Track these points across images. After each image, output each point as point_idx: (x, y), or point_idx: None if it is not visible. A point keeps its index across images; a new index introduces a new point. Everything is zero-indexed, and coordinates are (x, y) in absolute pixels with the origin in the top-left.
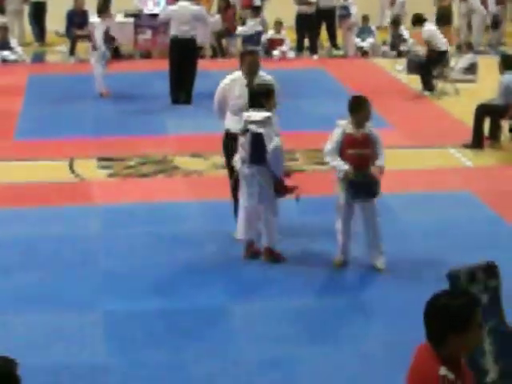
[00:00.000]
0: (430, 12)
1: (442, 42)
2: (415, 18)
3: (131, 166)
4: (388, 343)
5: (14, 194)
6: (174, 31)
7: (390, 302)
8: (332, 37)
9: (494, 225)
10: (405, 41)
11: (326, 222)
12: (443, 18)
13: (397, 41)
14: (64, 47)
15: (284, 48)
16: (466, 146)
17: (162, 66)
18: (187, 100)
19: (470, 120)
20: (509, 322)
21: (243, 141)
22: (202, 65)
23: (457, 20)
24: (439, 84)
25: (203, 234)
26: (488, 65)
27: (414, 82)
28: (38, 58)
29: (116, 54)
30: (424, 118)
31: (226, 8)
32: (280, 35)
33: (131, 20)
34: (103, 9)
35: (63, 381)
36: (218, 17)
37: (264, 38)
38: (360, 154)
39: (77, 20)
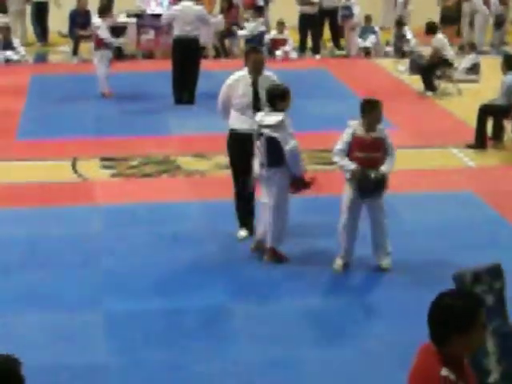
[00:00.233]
0: (434, 12)
1: (450, 54)
2: (428, 27)
3: (134, 166)
4: (391, 343)
5: (16, 194)
6: (177, 31)
7: (393, 301)
8: (335, 37)
9: (497, 225)
10: (408, 41)
11: (330, 222)
12: (447, 18)
13: (400, 41)
14: (67, 47)
15: (287, 48)
16: (469, 147)
17: (165, 66)
18: (190, 100)
19: (472, 120)
20: None
21: (258, 144)
22: (205, 65)
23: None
24: (442, 84)
25: (205, 234)
26: (491, 65)
27: (417, 82)
28: (41, 58)
29: (119, 54)
30: (427, 118)
31: (228, 8)
32: (283, 35)
33: (134, 20)
34: (105, 9)
35: (63, 381)
36: (220, 17)
37: (267, 38)
38: (368, 157)
39: (80, 20)
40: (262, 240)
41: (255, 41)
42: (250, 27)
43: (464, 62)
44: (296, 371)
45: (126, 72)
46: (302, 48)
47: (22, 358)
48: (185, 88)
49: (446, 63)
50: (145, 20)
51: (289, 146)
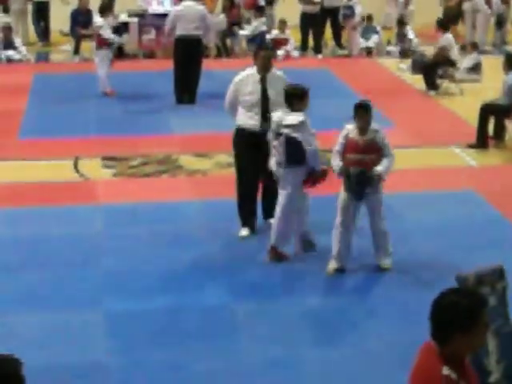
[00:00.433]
0: (435, 12)
1: (454, 54)
2: (440, 24)
3: (135, 165)
4: (391, 343)
5: (17, 194)
6: (179, 31)
7: (394, 301)
8: (336, 36)
9: (498, 224)
10: (410, 41)
11: (330, 222)
12: (450, 18)
13: (402, 41)
14: (68, 46)
15: (288, 47)
16: (471, 146)
17: (166, 65)
18: (191, 100)
19: (474, 120)
20: None
21: (276, 144)
22: (206, 64)
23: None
24: (444, 84)
25: (206, 234)
26: (492, 64)
27: (419, 81)
28: (43, 58)
29: (120, 53)
30: (428, 117)
31: (230, 8)
32: (284, 35)
33: (135, 20)
34: (106, 8)
35: (64, 380)
36: (222, 16)
37: (268, 37)
38: (361, 159)
39: (81, 19)
40: (304, 233)
41: (257, 40)
42: (251, 27)
43: (466, 62)
44: (296, 371)
45: (128, 71)
46: (303, 47)
47: (23, 357)
48: (186, 87)
49: (450, 63)
50: (146, 19)
51: (311, 147)
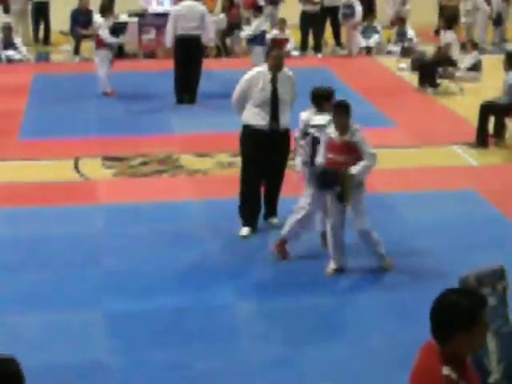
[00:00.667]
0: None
1: (456, 53)
2: (448, 20)
3: (136, 165)
4: (391, 343)
5: (17, 194)
6: (179, 30)
7: (394, 300)
8: (336, 35)
9: (498, 223)
10: (410, 40)
11: None
12: (451, 18)
13: (401, 39)
14: (68, 46)
15: (288, 47)
16: (471, 145)
17: (167, 65)
18: (192, 99)
19: (474, 118)
20: None
21: (303, 143)
22: (206, 64)
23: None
24: (444, 83)
25: (207, 233)
26: (492, 63)
27: None
28: (43, 58)
29: (120, 53)
30: (428, 116)
31: (230, 7)
32: (284, 34)
33: (135, 20)
34: (107, 8)
35: (65, 380)
36: (222, 16)
37: (268, 37)
38: (335, 159)
39: (81, 19)
40: (324, 232)
41: (257, 40)
42: (252, 26)
43: (466, 61)
44: (297, 370)
45: (128, 71)
46: (303, 47)
47: (23, 357)
48: (187, 87)
49: (450, 62)
50: (146, 19)
51: None
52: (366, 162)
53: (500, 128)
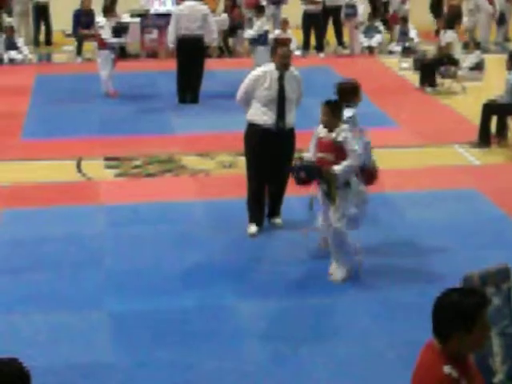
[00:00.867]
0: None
1: (458, 52)
2: (450, 20)
3: (138, 165)
4: (392, 343)
5: (20, 194)
6: (181, 31)
7: (396, 299)
8: (338, 35)
9: (501, 223)
10: (412, 39)
11: None
12: (453, 17)
13: (403, 39)
14: (71, 47)
15: (291, 47)
16: (473, 144)
17: (169, 65)
18: (194, 99)
19: (476, 118)
20: None
21: None
22: (208, 64)
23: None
24: (446, 82)
25: (210, 233)
26: (495, 63)
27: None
28: (45, 58)
29: (122, 53)
30: (430, 116)
31: (232, 7)
32: (286, 34)
33: (137, 20)
34: (109, 9)
35: (69, 380)
36: (224, 16)
37: (270, 36)
38: (322, 157)
39: (83, 20)
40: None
41: (260, 40)
42: (255, 26)
43: (468, 60)
44: (301, 370)
45: (130, 72)
46: (305, 46)
47: (27, 357)
48: (189, 87)
49: (452, 61)
50: (148, 20)
51: (363, 140)
52: (348, 162)
53: (502, 127)
